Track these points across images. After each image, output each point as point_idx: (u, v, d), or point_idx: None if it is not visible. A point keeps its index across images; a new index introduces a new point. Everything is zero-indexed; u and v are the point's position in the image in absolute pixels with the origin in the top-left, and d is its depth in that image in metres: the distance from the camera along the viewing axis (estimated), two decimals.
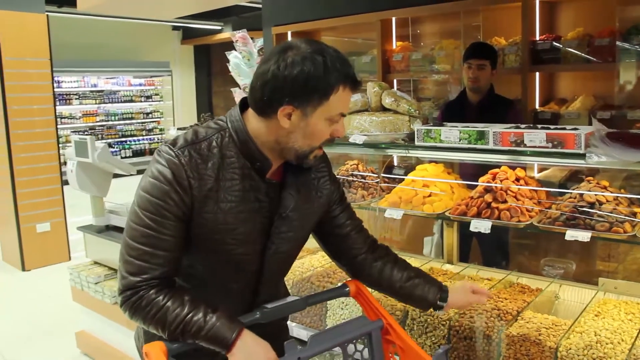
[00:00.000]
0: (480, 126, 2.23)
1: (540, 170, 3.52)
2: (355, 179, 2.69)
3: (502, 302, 2.25)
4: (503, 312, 2.13)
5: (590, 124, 3.49)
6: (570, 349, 1.87)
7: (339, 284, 1.79)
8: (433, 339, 2.19)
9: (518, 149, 2.09)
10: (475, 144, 2.20)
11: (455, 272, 2.68)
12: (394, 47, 4.47)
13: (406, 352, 1.56)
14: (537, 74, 3.76)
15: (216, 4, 4.17)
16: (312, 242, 1.82)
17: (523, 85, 3.68)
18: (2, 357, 3.94)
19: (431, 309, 1.75)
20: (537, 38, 3.68)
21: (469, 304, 1.82)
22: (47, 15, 5.83)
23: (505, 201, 2.17)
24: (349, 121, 2.64)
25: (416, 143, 2.36)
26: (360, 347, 1.59)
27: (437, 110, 3.99)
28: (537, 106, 3.80)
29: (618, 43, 3.27)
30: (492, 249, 3.37)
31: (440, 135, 2.30)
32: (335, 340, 1.47)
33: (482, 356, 2.06)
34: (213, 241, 1.40)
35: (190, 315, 1.31)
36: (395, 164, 3.14)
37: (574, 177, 2.86)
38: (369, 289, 1.69)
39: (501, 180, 2.24)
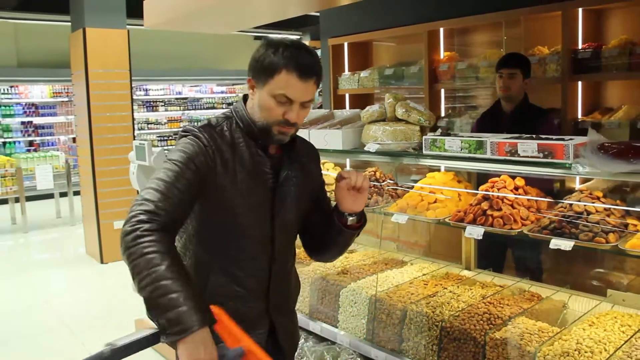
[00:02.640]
0: (481, 136, 2.31)
1: (584, 181, 3.50)
2: (371, 184, 2.83)
3: (500, 307, 2.32)
4: (494, 317, 2.21)
5: (631, 134, 3.43)
6: (547, 354, 1.92)
7: None
8: (427, 338, 2.29)
9: (511, 159, 2.16)
10: (474, 153, 2.29)
11: (469, 277, 2.75)
12: (441, 57, 4.54)
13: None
14: (580, 83, 3.71)
15: (276, 17, 4.43)
16: None
17: (563, 94, 3.64)
18: (73, 335, 4.41)
19: (345, 226, 1.76)
20: (580, 47, 3.64)
21: (351, 196, 1.74)
22: (129, 30, 6.38)
23: (500, 209, 2.24)
24: (366, 130, 2.79)
25: (424, 152, 2.48)
26: None
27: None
28: (579, 116, 3.74)
29: None
30: (524, 258, 3.37)
31: (444, 144, 2.40)
32: None
33: (469, 357, 2.14)
34: (231, 207, 1.61)
35: (169, 280, 1.35)
36: (412, 172, 3.24)
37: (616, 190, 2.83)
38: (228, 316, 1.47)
39: (498, 189, 2.31)
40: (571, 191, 3.05)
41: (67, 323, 4.67)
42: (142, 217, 1.41)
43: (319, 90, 5.89)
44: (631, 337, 2.00)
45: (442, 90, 4.57)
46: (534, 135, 2.24)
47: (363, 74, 5.12)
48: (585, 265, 3.05)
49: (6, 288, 5.66)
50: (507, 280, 2.72)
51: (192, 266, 1.68)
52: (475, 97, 4.57)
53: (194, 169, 1.53)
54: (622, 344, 1.94)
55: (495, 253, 3.32)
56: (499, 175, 2.42)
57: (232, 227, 1.64)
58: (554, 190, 3.22)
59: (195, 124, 1.67)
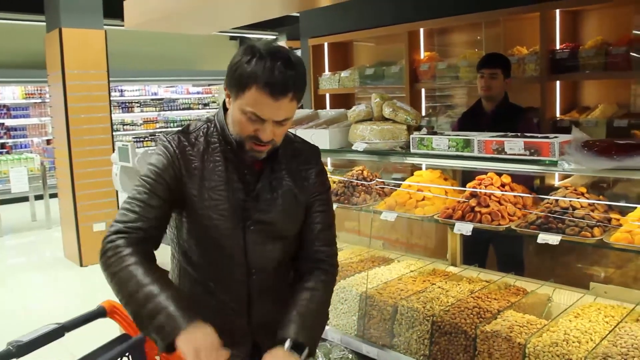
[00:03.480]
0: (468, 134, 2.37)
1: (562, 178, 3.59)
2: (358, 183, 2.87)
3: (488, 301, 2.38)
4: (483, 311, 2.26)
5: (608, 132, 3.54)
6: (537, 345, 1.99)
7: (96, 307, 1.80)
8: (418, 333, 2.34)
9: (499, 157, 2.22)
10: (462, 151, 2.34)
11: (455, 273, 2.81)
12: (422, 57, 4.62)
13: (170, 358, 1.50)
14: (558, 82, 3.82)
15: (258, 17, 4.44)
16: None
17: (542, 93, 3.74)
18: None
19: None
20: (557, 47, 3.74)
21: None
22: (106, 30, 6.32)
23: (487, 205, 2.30)
24: (353, 130, 2.83)
25: (411, 150, 2.52)
26: None
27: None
28: (557, 114, 3.84)
29: (632, 53, 3.30)
30: (506, 255, 3.46)
31: (431, 143, 2.45)
32: None
33: (460, 350, 2.19)
34: (201, 216, 1.56)
35: (149, 290, 1.37)
36: (398, 170, 3.30)
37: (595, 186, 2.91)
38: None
39: (485, 186, 2.37)
40: (551, 188, 3.15)
41: None
42: (112, 236, 1.46)
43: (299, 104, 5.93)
44: (615, 326, 2.07)
45: (423, 90, 4.64)
46: (518, 134, 2.30)
47: (344, 73, 5.17)
48: (567, 260, 3.14)
49: None
50: (492, 275, 2.79)
51: (177, 275, 1.70)
52: (455, 97, 4.66)
53: (164, 183, 1.52)
54: (607, 334, 2.02)
55: (479, 250, 3.40)
56: (485, 173, 2.48)
57: (204, 238, 1.60)
58: (534, 187, 3.31)
59: (175, 129, 1.64)
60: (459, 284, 2.58)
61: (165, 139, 1.57)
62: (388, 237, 3.61)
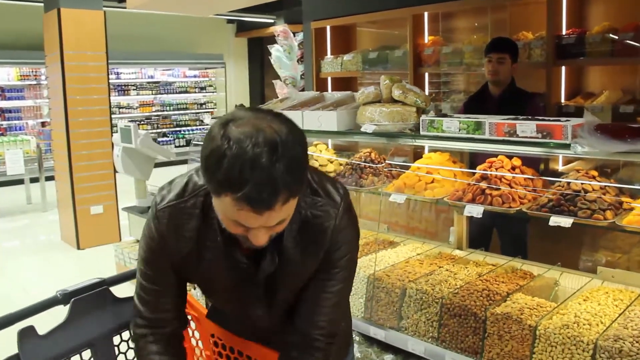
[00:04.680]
0: (479, 117, 2.36)
1: (566, 162, 3.60)
2: (366, 165, 2.87)
3: (496, 284, 2.39)
4: (493, 293, 2.27)
5: (613, 118, 3.54)
6: (548, 328, 2.00)
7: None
8: (427, 315, 2.35)
9: (510, 139, 2.22)
10: (473, 134, 2.33)
11: (462, 257, 2.82)
12: (426, 41, 4.59)
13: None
14: (563, 68, 3.81)
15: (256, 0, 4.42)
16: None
17: (547, 79, 3.73)
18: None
19: None
20: (564, 32, 3.73)
21: None
22: (105, 11, 6.25)
23: (498, 188, 2.30)
24: (362, 112, 2.81)
25: (421, 133, 2.52)
26: None
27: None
28: (562, 100, 3.84)
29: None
30: (510, 239, 3.47)
31: (442, 125, 2.44)
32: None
33: (470, 332, 2.21)
34: (201, 286, 1.50)
35: None
36: (402, 153, 3.29)
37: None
38: None
39: (496, 169, 2.37)
40: (555, 172, 3.15)
41: (48, 310, 4.59)
42: (134, 327, 1.47)
43: (300, 87, 5.86)
44: (625, 309, 2.09)
45: (427, 75, 4.62)
46: (529, 117, 2.30)
47: (346, 57, 5.14)
48: (573, 244, 3.15)
49: None
50: (498, 259, 2.80)
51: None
52: (459, 82, 4.64)
53: (162, 267, 1.39)
54: (617, 317, 2.03)
55: (483, 234, 3.41)
56: (495, 156, 2.48)
57: (211, 295, 1.57)
58: (539, 170, 3.31)
59: (174, 184, 1.37)
60: (466, 267, 2.59)
61: (155, 214, 1.34)
62: (392, 221, 3.62)
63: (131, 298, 1.53)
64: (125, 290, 1.70)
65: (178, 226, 1.32)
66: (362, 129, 2.71)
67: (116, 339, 1.65)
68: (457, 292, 2.31)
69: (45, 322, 1.58)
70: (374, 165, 2.89)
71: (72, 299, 1.55)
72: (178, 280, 1.43)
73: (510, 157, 2.44)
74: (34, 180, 8.40)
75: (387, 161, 2.94)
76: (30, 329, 1.43)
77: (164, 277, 1.41)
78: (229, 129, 1.07)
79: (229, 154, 1.04)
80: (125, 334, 1.65)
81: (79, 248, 6.24)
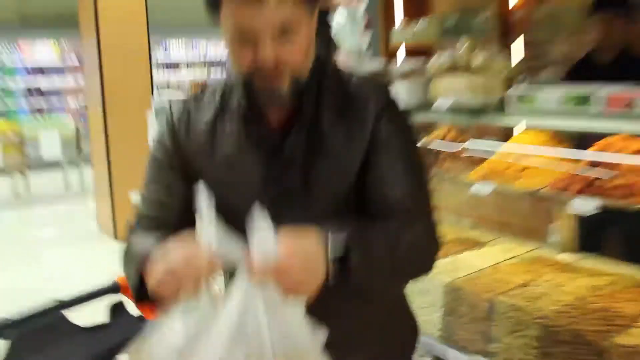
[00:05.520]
0: (586, 87, 2.13)
1: None
2: (442, 149, 2.68)
3: (618, 303, 2.09)
4: (614, 315, 1.99)
5: None
6: None
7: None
8: (523, 339, 2.08)
9: (630, 115, 1.95)
10: (578, 108, 2.09)
11: (568, 263, 2.53)
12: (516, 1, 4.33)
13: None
14: None
15: None
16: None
17: None
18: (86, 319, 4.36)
19: None
20: None
21: None
22: None
23: (616, 177, 2.04)
24: (435, 83, 2.63)
25: (509, 108, 2.33)
26: None
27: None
28: None
29: None
30: (634, 242, 3.11)
31: (537, 99, 2.22)
32: None
33: None
34: (212, 190, 1.23)
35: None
36: (490, 132, 3.08)
37: None
38: None
39: (611, 153, 2.12)
40: None
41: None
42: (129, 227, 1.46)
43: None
44: None
45: (517, 42, 4.34)
46: None
47: (420, 24, 4.92)
48: None
49: (8, 267, 5.64)
50: (618, 268, 2.47)
51: None
52: (557, 51, 4.33)
53: (165, 164, 1.40)
54: None
55: (597, 234, 3.07)
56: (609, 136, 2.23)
57: (224, 209, 1.30)
58: None
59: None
60: (575, 277, 2.32)
61: (167, 110, 1.43)
62: (476, 215, 3.37)
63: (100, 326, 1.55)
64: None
65: (191, 119, 1.38)
66: (436, 105, 2.57)
67: None
68: (564, 310, 2.04)
69: None
70: (452, 150, 2.70)
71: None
72: (184, 187, 1.36)
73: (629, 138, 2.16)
74: (72, 164, 8.63)
75: (467, 143, 2.73)
76: None
77: (168, 177, 1.39)
78: None
79: None
80: None
81: (116, 238, 6.28)
